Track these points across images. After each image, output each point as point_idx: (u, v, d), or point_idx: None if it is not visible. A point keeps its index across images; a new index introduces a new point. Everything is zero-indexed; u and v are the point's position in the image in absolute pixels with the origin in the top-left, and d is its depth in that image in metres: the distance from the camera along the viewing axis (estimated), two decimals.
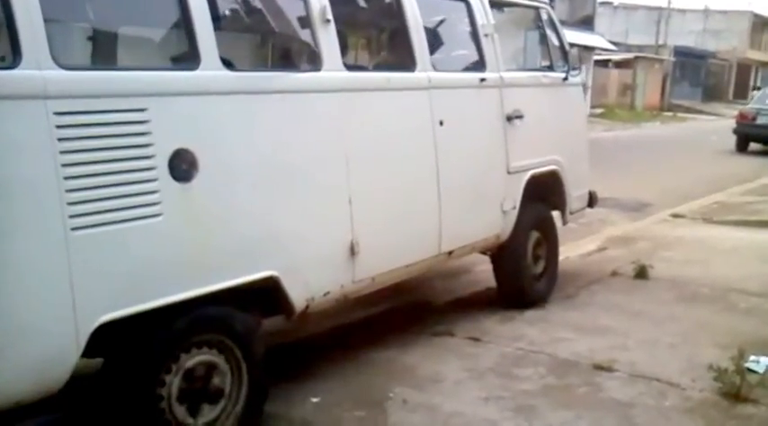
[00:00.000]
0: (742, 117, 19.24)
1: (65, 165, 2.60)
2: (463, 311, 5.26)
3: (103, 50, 3.35)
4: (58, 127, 2.58)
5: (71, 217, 2.61)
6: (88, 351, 2.71)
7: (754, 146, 18.92)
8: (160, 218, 2.87)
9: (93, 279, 2.68)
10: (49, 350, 2.62)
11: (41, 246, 2.57)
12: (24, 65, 2.51)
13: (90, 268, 2.67)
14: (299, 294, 3.49)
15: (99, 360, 2.96)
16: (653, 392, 3.99)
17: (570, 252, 6.92)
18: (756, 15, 55.67)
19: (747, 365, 4.15)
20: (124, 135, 2.78)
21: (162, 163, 2.88)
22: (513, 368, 4.27)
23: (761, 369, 4.21)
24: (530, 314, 5.20)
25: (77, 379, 2.74)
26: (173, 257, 2.93)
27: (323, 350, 4.46)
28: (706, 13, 53.73)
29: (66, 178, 2.60)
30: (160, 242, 2.89)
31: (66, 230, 2.60)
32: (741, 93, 52.05)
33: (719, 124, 26.73)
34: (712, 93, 49.52)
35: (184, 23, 3.07)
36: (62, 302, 2.62)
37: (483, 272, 5.63)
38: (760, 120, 18.52)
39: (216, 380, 3.18)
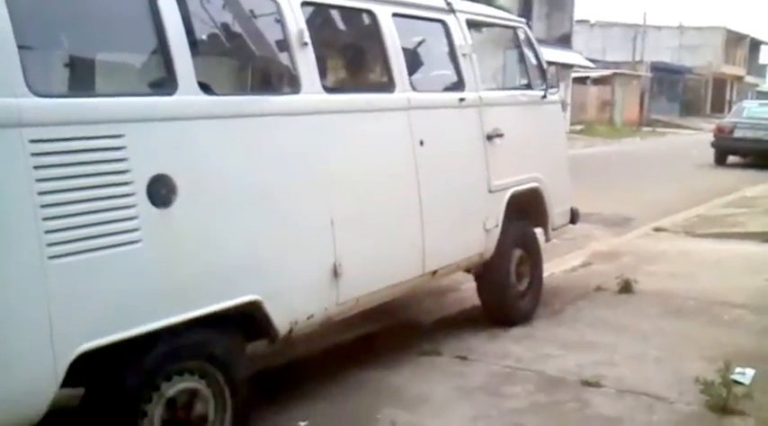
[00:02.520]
0: (720, 130, 19.47)
1: (41, 193, 2.56)
2: (450, 329, 5.23)
3: (80, 77, 3.33)
4: (34, 154, 2.55)
5: (48, 245, 2.57)
6: (68, 381, 2.66)
7: (732, 158, 19.14)
8: (139, 245, 2.84)
9: (71, 307, 2.64)
10: (26, 381, 2.56)
11: (18, 276, 2.53)
12: None
13: (68, 296, 2.63)
14: (282, 318, 3.46)
15: (80, 391, 2.90)
16: (641, 406, 3.98)
17: (555, 268, 6.93)
18: (730, 31, 56.65)
19: (733, 377, 4.15)
20: (101, 161, 2.76)
21: (140, 189, 2.86)
22: (500, 387, 4.25)
23: (747, 381, 4.22)
24: (516, 331, 5.18)
25: (57, 411, 2.68)
26: (153, 284, 2.90)
27: (310, 372, 4.41)
28: (681, 29, 54.59)
29: (43, 206, 2.57)
30: (140, 268, 2.85)
31: (44, 259, 2.56)
32: (718, 107, 52.81)
33: (698, 138, 27.01)
34: (690, 108, 50.18)
35: (161, 49, 3.07)
36: (40, 332, 2.57)
37: (469, 290, 5.61)
38: (737, 134, 18.75)
39: (199, 407, 3.13)
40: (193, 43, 3.23)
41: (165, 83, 3.08)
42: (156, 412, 2.97)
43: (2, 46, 2.50)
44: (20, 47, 2.55)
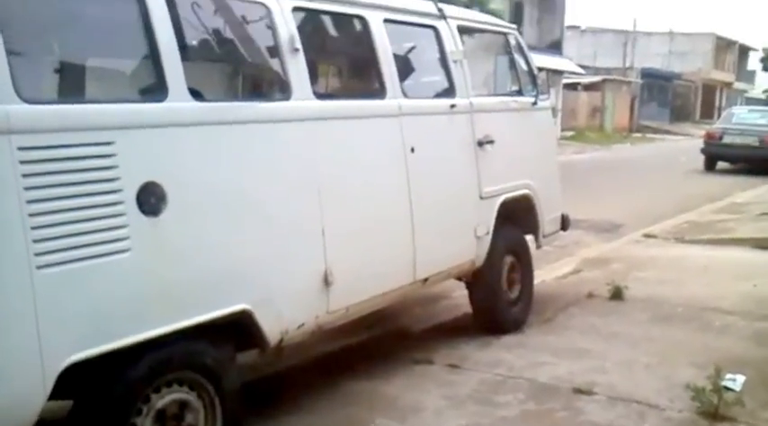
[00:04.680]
0: (709, 136, 19.57)
1: (30, 202, 2.54)
2: (442, 337, 5.22)
3: (70, 83, 3.30)
4: (23, 162, 2.53)
5: (36, 254, 2.54)
6: (57, 393, 2.63)
7: (721, 164, 19.24)
8: (128, 254, 2.81)
9: (59, 318, 2.61)
10: (14, 392, 2.53)
11: (5, 285, 2.50)
12: None
13: (56, 306, 2.60)
14: (272, 327, 3.43)
15: (68, 402, 2.87)
16: (632, 414, 3.97)
17: (546, 275, 6.93)
18: (719, 37, 57.02)
19: (724, 383, 4.15)
20: (91, 169, 2.73)
21: (130, 197, 2.83)
22: (492, 395, 4.23)
23: (737, 387, 4.22)
24: (508, 339, 5.17)
25: (45, 423, 2.65)
26: (142, 293, 2.87)
27: (301, 382, 4.39)
28: (671, 35, 54.89)
29: (32, 215, 2.54)
30: (129, 278, 2.82)
31: (32, 268, 2.53)
32: (707, 113, 53.12)
33: (688, 144, 27.16)
34: (680, 114, 50.43)
35: (151, 55, 3.04)
36: (28, 343, 2.53)
37: (461, 298, 5.60)
38: (726, 140, 18.85)
39: (189, 418, 3.10)
40: (184, 49, 3.21)
41: (155, 89, 3.05)
42: (146, 423, 2.94)
43: None
44: (9, 52, 2.52)
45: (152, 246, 2.90)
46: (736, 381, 4.28)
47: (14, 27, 2.60)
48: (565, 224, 6.08)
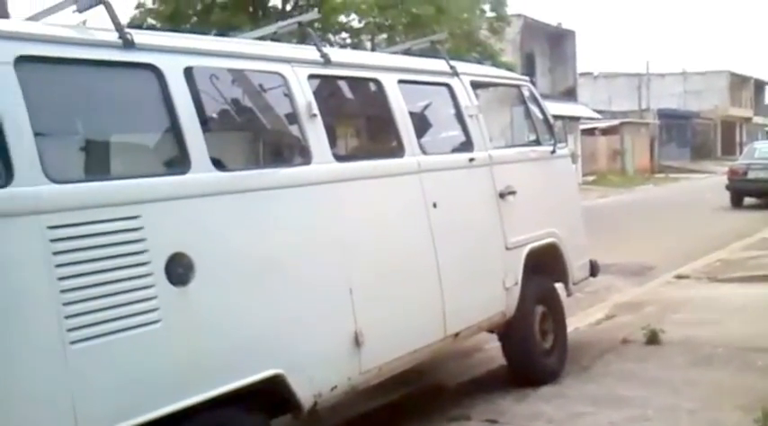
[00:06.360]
0: (733, 173, 19.40)
1: (61, 278, 2.58)
2: (478, 391, 5.14)
3: (94, 160, 3.39)
4: (53, 240, 2.58)
5: (69, 330, 2.58)
6: None
7: (748, 200, 19.01)
8: (159, 325, 2.83)
9: (94, 392, 2.63)
10: None
11: (40, 362, 2.52)
12: (17, 182, 2.54)
13: (91, 381, 2.62)
14: (305, 390, 3.41)
15: None
16: None
17: (579, 322, 6.83)
18: (734, 74, 57.09)
19: None
20: (119, 243, 2.77)
21: (158, 268, 2.87)
22: None
23: None
24: (545, 390, 5.07)
25: None
26: (174, 363, 2.87)
27: None
28: (684, 75, 55.08)
29: (63, 291, 2.58)
30: (160, 348, 2.83)
31: (65, 344, 2.56)
32: (728, 149, 52.79)
33: (711, 181, 26.93)
34: (700, 152, 50.18)
35: (173, 128, 3.12)
36: (64, 419, 2.55)
37: (494, 349, 5.53)
38: (751, 175, 18.67)
39: None
40: (204, 120, 3.28)
41: (178, 161, 3.12)
42: None
43: (19, 136, 2.56)
44: (36, 134, 2.60)
45: (182, 316, 2.92)
46: None
47: (41, 109, 2.69)
48: (594, 269, 6.02)
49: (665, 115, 45.33)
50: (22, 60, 2.64)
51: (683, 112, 49.84)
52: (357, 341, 3.67)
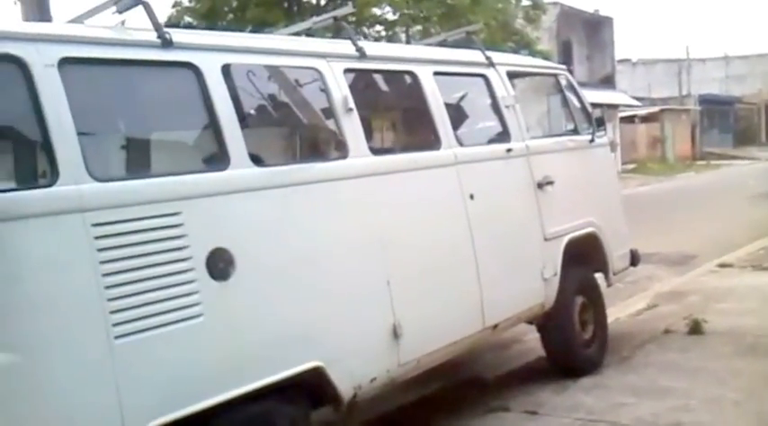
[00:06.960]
0: None
1: (105, 275, 2.64)
2: (516, 383, 5.12)
3: (136, 158, 3.46)
4: (97, 237, 2.64)
5: (114, 325, 2.64)
6: None
7: None
8: (201, 319, 2.88)
9: (139, 386, 2.69)
10: None
11: (87, 358, 2.59)
12: (62, 181, 2.60)
13: (136, 375, 2.68)
14: (345, 383, 3.44)
15: None
16: None
17: (619, 312, 6.76)
18: None
19: None
20: (161, 239, 2.83)
21: (200, 263, 2.92)
22: None
23: None
24: (585, 381, 5.03)
25: None
26: (216, 356, 2.92)
27: None
28: (726, 59, 53.87)
29: (108, 287, 2.64)
30: (203, 342, 2.89)
31: (110, 339, 2.63)
32: None
33: (755, 167, 26.39)
34: (743, 138, 49.06)
35: (212, 125, 3.17)
36: (110, 412, 2.61)
37: (533, 341, 5.51)
38: None
39: None
40: (242, 117, 3.33)
41: (217, 158, 3.17)
42: None
43: (64, 136, 2.63)
44: (79, 134, 2.67)
45: (223, 310, 2.96)
46: None
47: (84, 109, 2.75)
48: (635, 259, 5.95)
49: (706, 101, 44.38)
50: (65, 62, 2.71)
51: (724, 98, 48.75)
52: (395, 334, 3.69)
